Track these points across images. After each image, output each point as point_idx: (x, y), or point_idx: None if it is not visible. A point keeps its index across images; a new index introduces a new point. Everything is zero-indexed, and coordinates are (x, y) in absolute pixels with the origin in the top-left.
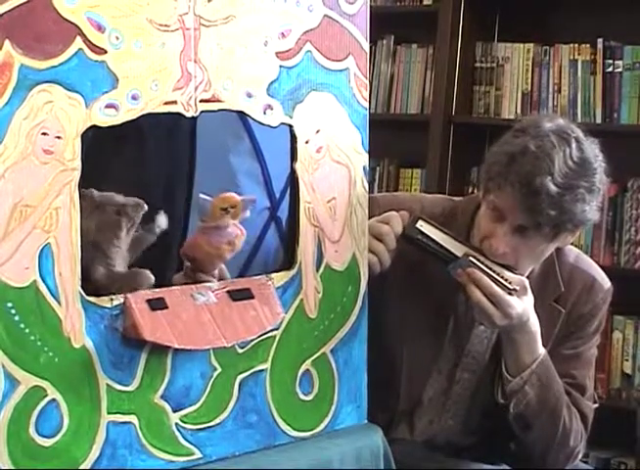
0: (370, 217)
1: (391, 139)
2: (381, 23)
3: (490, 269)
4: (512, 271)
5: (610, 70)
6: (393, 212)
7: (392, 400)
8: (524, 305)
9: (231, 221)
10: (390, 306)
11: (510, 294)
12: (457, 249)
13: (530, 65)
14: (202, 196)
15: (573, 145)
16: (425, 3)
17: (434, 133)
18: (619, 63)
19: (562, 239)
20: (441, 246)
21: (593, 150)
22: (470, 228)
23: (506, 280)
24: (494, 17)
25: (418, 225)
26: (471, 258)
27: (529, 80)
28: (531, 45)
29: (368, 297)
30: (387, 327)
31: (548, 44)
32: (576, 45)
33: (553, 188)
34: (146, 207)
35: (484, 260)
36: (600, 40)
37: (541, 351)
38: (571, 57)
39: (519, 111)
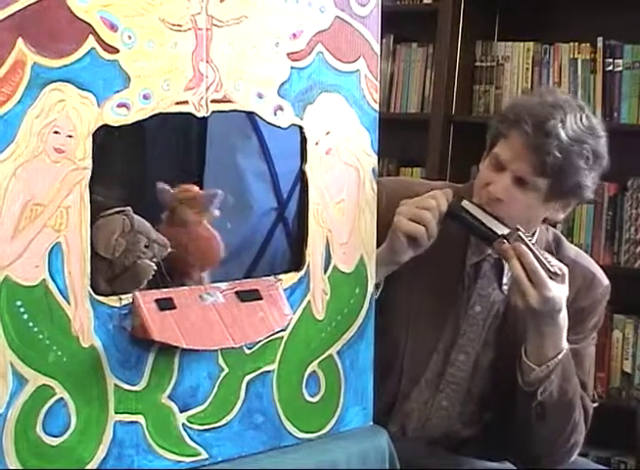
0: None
1: (391, 138)
2: (380, 22)
3: (535, 248)
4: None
5: (610, 68)
6: (438, 191)
7: (393, 382)
8: (560, 292)
9: (196, 218)
10: (398, 290)
11: (550, 278)
12: (499, 228)
13: (530, 64)
14: (161, 185)
15: (585, 114)
16: (425, 2)
17: (433, 132)
18: (619, 62)
19: (554, 205)
20: (484, 224)
21: (601, 125)
22: None
23: (549, 262)
24: (494, 16)
25: (463, 204)
26: (520, 234)
27: (529, 79)
28: (531, 44)
29: None
30: (393, 310)
31: (548, 43)
32: (576, 44)
33: (563, 135)
34: (169, 249)
35: (531, 239)
36: (600, 39)
37: (565, 345)
38: (571, 56)
39: None
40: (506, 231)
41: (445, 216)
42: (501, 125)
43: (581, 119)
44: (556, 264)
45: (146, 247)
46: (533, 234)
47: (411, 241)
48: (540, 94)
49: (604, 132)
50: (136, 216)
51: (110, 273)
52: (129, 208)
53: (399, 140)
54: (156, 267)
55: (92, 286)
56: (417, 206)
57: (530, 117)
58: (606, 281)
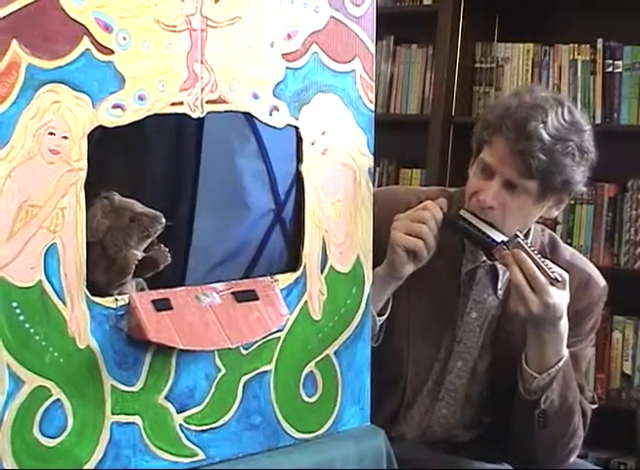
0: None
1: (391, 139)
2: (380, 24)
3: (535, 255)
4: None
5: (609, 70)
6: (430, 201)
7: (399, 392)
8: (561, 298)
9: None
10: (396, 300)
11: (551, 284)
12: (498, 236)
13: (530, 65)
14: None
15: (566, 108)
16: (424, 3)
17: (433, 133)
18: (619, 63)
19: (547, 203)
20: (482, 232)
21: (585, 118)
22: None
23: (549, 268)
24: (494, 17)
25: (461, 213)
26: (519, 240)
27: (529, 80)
28: (531, 45)
29: None
30: (393, 320)
31: (548, 44)
32: (576, 45)
33: (545, 135)
34: (164, 221)
35: (531, 246)
36: (600, 40)
37: (565, 352)
38: (571, 57)
39: None
40: (505, 238)
41: (444, 226)
42: (484, 132)
43: (563, 116)
44: (556, 271)
45: (131, 221)
46: (527, 233)
47: (410, 255)
48: (519, 95)
49: (588, 125)
50: (119, 196)
51: (105, 270)
52: (114, 192)
53: (399, 141)
54: (140, 256)
55: (90, 287)
56: (412, 219)
57: (511, 121)
58: (602, 282)
